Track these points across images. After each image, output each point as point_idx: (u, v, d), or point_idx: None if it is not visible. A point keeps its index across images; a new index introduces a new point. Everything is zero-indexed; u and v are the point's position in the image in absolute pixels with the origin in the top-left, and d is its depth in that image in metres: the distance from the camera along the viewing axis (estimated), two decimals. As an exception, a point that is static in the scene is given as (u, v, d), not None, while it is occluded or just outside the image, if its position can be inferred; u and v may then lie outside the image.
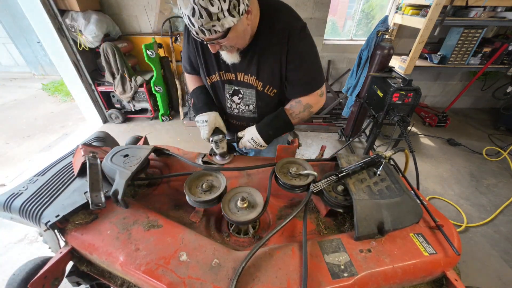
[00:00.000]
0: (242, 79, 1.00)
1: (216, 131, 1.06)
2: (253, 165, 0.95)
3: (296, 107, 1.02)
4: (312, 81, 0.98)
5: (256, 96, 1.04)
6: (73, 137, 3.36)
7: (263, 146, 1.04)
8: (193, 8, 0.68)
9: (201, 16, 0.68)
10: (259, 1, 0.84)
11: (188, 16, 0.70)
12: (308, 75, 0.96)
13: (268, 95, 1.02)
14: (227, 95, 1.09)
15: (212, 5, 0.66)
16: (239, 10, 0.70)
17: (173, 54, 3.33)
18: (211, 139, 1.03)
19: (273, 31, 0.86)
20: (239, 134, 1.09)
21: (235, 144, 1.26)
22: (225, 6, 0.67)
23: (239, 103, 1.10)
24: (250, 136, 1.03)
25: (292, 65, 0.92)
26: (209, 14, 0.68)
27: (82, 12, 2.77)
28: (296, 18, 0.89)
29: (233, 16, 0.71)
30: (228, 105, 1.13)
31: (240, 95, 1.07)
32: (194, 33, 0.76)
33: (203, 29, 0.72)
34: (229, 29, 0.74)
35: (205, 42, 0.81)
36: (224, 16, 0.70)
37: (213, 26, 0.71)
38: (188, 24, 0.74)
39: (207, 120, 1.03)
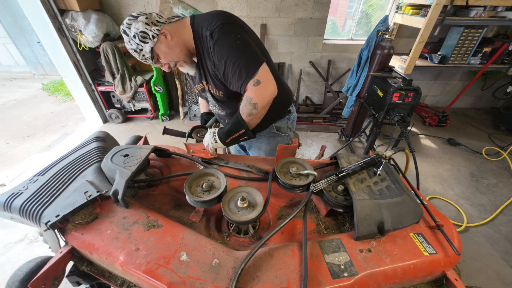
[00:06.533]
0: (204, 86, 1.17)
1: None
2: (247, 177, 1.01)
3: (241, 102, 1.03)
4: (239, 73, 0.95)
5: (213, 97, 1.20)
6: (73, 137, 3.36)
7: (218, 143, 1.06)
8: (130, 50, 0.97)
9: (133, 53, 0.97)
10: (191, 19, 1.01)
11: None
12: (234, 68, 0.95)
13: (219, 96, 1.15)
14: (207, 99, 1.27)
15: (131, 44, 0.94)
16: (150, 36, 0.93)
17: (173, 54, 3.33)
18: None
19: (203, 39, 0.97)
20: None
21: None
22: (137, 41, 0.93)
23: (212, 104, 1.28)
24: (209, 134, 1.08)
25: (219, 64, 0.98)
26: (134, 50, 0.96)
27: (82, 12, 2.77)
28: (217, 20, 0.93)
29: (147, 43, 0.94)
30: (210, 107, 1.33)
31: (209, 99, 1.25)
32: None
33: (142, 60, 1.00)
34: (152, 51, 0.96)
35: (155, 66, 1.05)
36: (143, 46, 0.94)
37: (143, 55, 0.97)
38: None
39: None
